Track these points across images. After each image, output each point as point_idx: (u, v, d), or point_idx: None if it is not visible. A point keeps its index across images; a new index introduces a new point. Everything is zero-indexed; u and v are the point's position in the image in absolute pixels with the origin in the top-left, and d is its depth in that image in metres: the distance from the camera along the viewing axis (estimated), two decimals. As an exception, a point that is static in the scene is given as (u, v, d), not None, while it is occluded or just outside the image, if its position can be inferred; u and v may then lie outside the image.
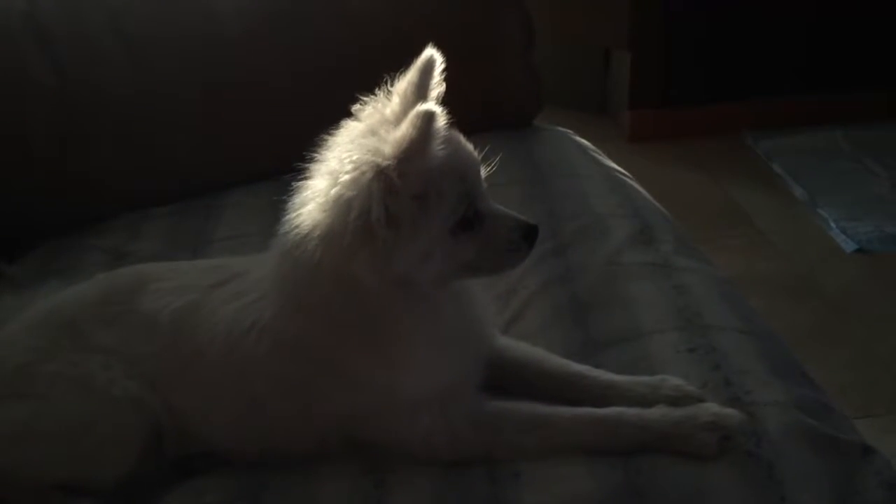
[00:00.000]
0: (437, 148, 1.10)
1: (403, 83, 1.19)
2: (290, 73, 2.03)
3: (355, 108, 1.19)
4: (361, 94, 1.20)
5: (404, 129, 1.08)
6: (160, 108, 1.99)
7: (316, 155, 1.19)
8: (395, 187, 1.08)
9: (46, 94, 1.93)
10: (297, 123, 1.73)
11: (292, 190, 1.21)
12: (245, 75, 2.02)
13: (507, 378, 1.32)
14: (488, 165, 1.23)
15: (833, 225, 3.12)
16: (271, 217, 1.27)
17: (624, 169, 2.10)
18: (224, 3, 2.05)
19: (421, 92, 1.18)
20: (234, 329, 1.24)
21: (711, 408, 1.20)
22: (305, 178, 1.20)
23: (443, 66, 1.20)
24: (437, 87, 1.20)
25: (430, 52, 1.20)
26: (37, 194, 1.93)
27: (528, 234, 1.22)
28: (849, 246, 3.02)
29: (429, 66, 1.19)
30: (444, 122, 1.13)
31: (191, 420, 1.27)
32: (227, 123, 2.02)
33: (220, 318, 1.26)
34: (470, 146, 1.22)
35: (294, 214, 1.18)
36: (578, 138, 2.16)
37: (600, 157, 2.05)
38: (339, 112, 1.21)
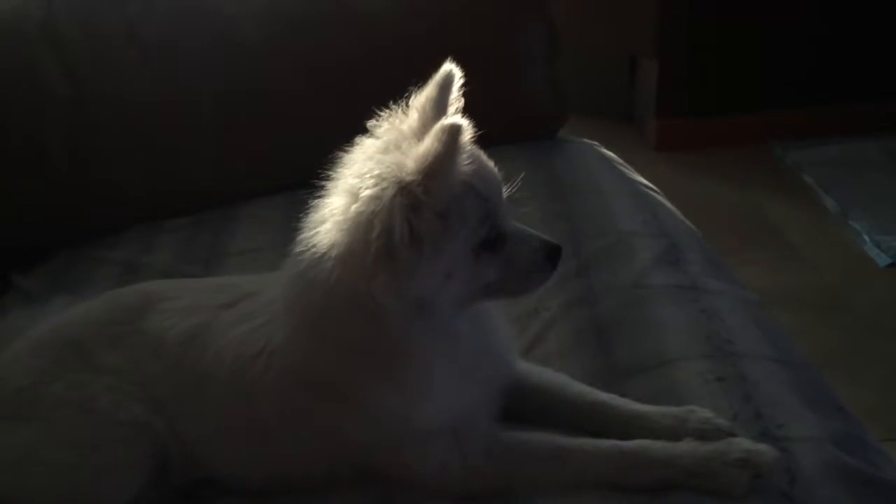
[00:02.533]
0: (463, 164, 1.06)
1: (421, 98, 1.14)
2: (308, 81, 2.00)
3: (371, 123, 1.15)
4: (379, 108, 1.16)
5: (429, 143, 1.04)
6: (177, 117, 1.97)
7: (331, 173, 1.15)
8: (420, 204, 1.04)
9: (62, 102, 1.91)
10: (315, 132, 1.72)
11: (307, 206, 1.16)
12: (263, 83, 2.00)
13: (526, 405, 1.27)
14: (510, 184, 1.18)
15: (866, 238, 3.04)
16: (286, 231, 1.23)
17: (650, 178, 2.04)
18: (242, 11, 2.02)
19: (440, 107, 1.14)
20: (243, 353, 1.20)
21: (742, 443, 1.14)
22: (321, 197, 1.15)
23: (462, 80, 1.16)
24: (456, 102, 1.15)
25: (450, 66, 1.16)
26: (51, 204, 1.91)
27: (552, 255, 1.18)
28: (882, 260, 2.94)
29: (448, 82, 1.15)
30: (469, 137, 1.08)
31: (196, 446, 1.23)
32: (244, 132, 1.99)
33: (228, 341, 1.22)
34: (491, 164, 1.17)
35: (309, 234, 1.13)
36: (604, 150, 2.10)
37: (626, 171, 2.00)
38: (357, 121, 1.17)
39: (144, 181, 1.94)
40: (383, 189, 1.04)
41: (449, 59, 1.17)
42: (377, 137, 1.14)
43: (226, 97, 1.97)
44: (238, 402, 1.20)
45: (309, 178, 1.16)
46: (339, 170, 1.14)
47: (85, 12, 1.98)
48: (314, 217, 1.13)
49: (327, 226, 1.10)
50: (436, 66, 1.17)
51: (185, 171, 1.97)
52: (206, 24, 2.00)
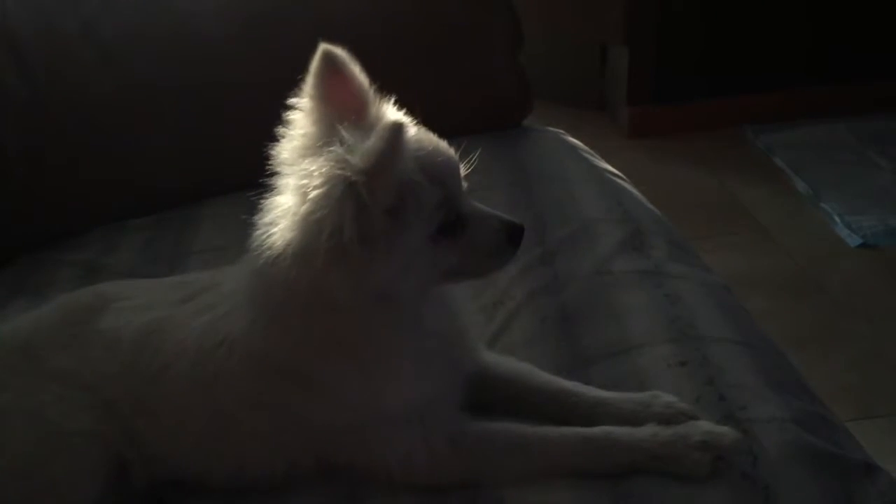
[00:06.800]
0: (408, 159, 1.05)
1: (308, 88, 1.13)
2: (269, 77, 1.92)
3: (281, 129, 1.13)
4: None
5: (373, 141, 1.02)
6: (136, 115, 1.93)
7: (278, 169, 1.13)
8: (367, 203, 1.03)
9: (19, 103, 1.88)
10: (277, 129, 1.68)
11: (261, 206, 1.14)
12: (223, 80, 1.97)
13: (492, 395, 1.26)
14: (467, 164, 1.17)
15: (837, 219, 3.06)
16: (249, 228, 1.20)
17: (624, 165, 2.04)
18: (202, 7, 2.00)
19: (323, 92, 1.12)
20: (204, 342, 1.18)
21: (704, 426, 1.14)
22: (273, 194, 1.13)
23: (348, 54, 1.13)
24: (360, 76, 1.13)
25: (323, 47, 1.13)
26: (9, 207, 1.87)
27: (514, 235, 1.17)
28: (853, 240, 2.96)
29: (324, 64, 1.12)
30: (415, 130, 1.08)
31: (157, 444, 1.21)
32: (205, 129, 1.97)
33: (189, 332, 1.20)
34: (445, 145, 1.16)
35: (265, 232, 1.11)
36: (569, 138, 2.09)
37: (592, 158, 1.99)
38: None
39: (105, 181, 1.91)
40: (332, 187, 1.03)
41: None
42: (290, 139, 1.12)
43: (186, 94, 1.94)
44: (199, 393, 1.18)
45: (266, 177, 1.15)
46: (284, 167, 1.12)
47: (40, 11, 1.95)
48: (266, 216, 1.11)
49: (281, 224, 1.08)
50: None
51: (146, 170, 1.94)
52: (164, 20, 1.97)
